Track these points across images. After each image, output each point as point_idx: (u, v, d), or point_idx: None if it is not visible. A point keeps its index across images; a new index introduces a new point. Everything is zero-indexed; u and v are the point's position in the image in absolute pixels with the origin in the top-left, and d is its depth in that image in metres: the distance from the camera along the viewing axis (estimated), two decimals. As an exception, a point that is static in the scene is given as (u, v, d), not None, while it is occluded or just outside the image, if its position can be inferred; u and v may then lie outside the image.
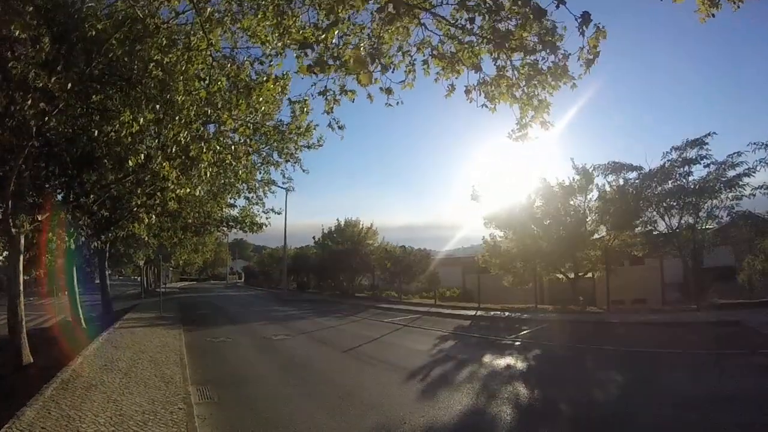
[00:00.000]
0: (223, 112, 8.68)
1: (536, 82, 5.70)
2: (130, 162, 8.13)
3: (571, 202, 23.13)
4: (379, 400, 7.84)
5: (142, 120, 8.08)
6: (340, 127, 7.52)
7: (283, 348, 13.53)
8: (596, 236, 23.08)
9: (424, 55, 6.35)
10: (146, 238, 18.40)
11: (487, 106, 6.11)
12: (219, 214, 22.58)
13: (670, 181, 20.99)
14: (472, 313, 22.04)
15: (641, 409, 7.12)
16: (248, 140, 12.02)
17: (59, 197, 13.99)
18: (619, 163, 22.42)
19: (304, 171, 18.99)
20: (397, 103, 6.43)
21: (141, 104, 8.55)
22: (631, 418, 6.78)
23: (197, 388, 8.35)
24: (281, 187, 22.66)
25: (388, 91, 6.22)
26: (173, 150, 8.81)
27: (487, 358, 11.46)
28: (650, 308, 20.98)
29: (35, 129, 8.54)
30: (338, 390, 8.51)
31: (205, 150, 8.90)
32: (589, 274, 23.86)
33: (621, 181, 22.29)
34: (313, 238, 46.02)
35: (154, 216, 11.30)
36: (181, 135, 8.53)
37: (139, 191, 11.24)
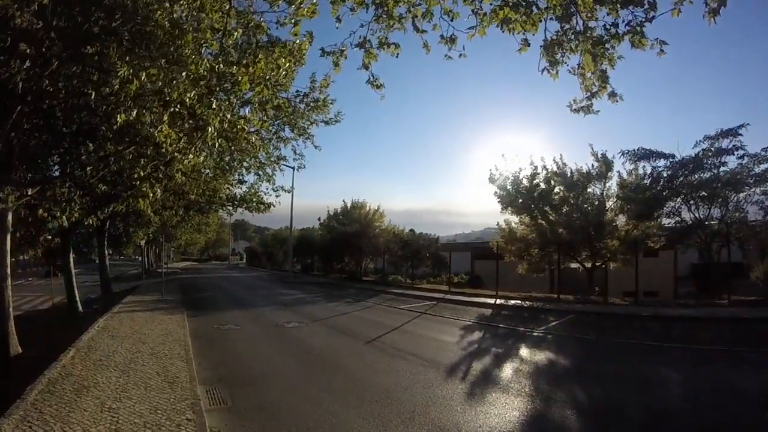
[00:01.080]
0: (239, 68, 7.38)
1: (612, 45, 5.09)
2: (119, 118, 6.80)
3: (590, 190, 22.56)
4: (423, 403, 6.77)
5: (144, 76, 6.80)
6: (378, 86, 6.34)
7: (298, 337, 12.34)
8: (615, 225, 22.35)
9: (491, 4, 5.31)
10: (150, 214, 17.11)
11: (548, 71, 5.37)
12: (225, 192, 21.37)
13: (699, 172, 20.24)
14: (491, 301, 21.05)
15: (741, 418, 6.03)
16: (266, 105, 10.78)
17: (54, 171, 12.84)
18: (649, 150, 21.48)
19: (316, 148, 17.70)
20: (460, 55, 5.68)
21: (143, 58, 7.28)
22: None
23: (207, 390, 7.22)
24: (288, 166, 21.24)
25: (451, 40, 5.51)
26: (176, 109, 7.51)
27: (524, 353, 10.63)
28: (677, 302, 19.87)
29: (25, 89, 7.32)
30: (373, 392, 7.36)
31: (215, 110, 7.63)
32: (603, 264, 23.12)
33: (649, 169, 21.52)
34: (319, 219, 44.81)
35: (159, 190, 10.01)
36: (187, 95, 7.26)
37: (142, 162, 10.02)
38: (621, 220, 22.27)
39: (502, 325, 14.83)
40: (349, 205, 41.15)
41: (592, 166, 22.22)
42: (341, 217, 41.24)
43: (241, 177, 18.52)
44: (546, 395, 7.14)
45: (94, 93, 7.66)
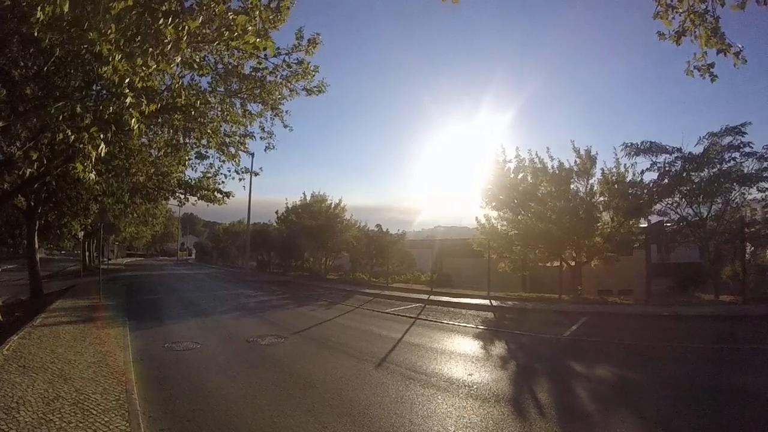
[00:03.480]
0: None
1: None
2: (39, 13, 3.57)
3: (573, 186, 21.40)
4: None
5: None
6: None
7: (283, 360, 8.88)
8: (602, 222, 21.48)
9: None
10: (92, 186, 13.35)
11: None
12: (178, 176, 17.78)
13: (708, 167, 19.08)
14: (484, 302, 18.54)
15: None
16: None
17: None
18: (655, 143, 19.97)
19: (286, 127, 14.53)
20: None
21: None
22: None
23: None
24: (244, 156, 17.70)
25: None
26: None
27: (579, 368, 8.79)
28: (685, 300, 18.19)
29: None
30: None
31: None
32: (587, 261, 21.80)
33: (647, 164, 20.35)
34: (276, 212, 41.03)
35: (102, 145, 6.65)
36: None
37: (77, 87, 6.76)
38: (605, 217, 21.22)
39: (516, 331, 12.60)
40: (308, 198, 37.85)
41: (575, 162, 21.16)
42: (300, 210, 37.77)
43: (200, 152, 14.94)
44: None
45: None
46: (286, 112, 14.25)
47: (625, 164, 20.59)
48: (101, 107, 7.27)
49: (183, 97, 11.36)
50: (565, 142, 58.20)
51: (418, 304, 18.16)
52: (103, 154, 6.91)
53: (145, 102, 6.91)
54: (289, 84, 12.80)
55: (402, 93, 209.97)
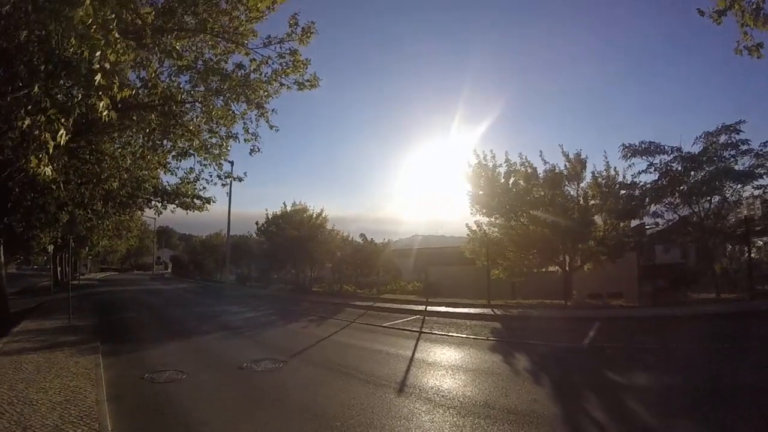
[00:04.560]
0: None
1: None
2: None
3: (566, 189, 20.90)
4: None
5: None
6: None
7: (286, 392, 7.44)
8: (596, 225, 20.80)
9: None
10: (53, 185, 11.69)
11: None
12: (153, 182, 16.24)
13: (708, 165, 18.54)
14: (487, 311, 17.41)
15: None
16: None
17: None
18: (655, 143, 19.36)
19: (272, 128, 13.20)
20: None
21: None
22: None
23: None
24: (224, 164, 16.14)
25: None
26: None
27: (620, 378, 8.15)
28: (695, 299, 17.67)
29: None
30: None
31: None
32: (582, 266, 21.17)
33: (644, 165, 19.73)
34: (257, 223, 39.06)
35: (63, 132, 5.28)
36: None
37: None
38: (598, 220, 20.56)
39: (533, 341, 11.65)
40: (288, 208, 36.22)
41: (565, 166, 20.52)
42: (281, 221, 36.09)
43: (183, 148, 13.44)
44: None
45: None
46: (273, 110, 12.92)
47: (615, 167, 20.34)
48: (65, 89, 5.93)
49: (160, 90, 9.98)
50: (548, 147, 57.78)
51: (416, 317, 16.85)
52: (63, 143, 5.48)
53: (117, 85, 5.59)
54: (280, 77, 11.51)
55: (375, 101, 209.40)
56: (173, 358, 9.94)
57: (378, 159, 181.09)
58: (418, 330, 13.86)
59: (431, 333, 13.29)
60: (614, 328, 13.54)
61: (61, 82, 7.22)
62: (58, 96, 5.95)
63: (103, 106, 5.51)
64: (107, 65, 5.16)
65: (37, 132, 5.51)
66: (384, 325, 15.13)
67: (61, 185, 12.50)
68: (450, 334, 13.05)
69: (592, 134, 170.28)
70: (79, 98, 5.81)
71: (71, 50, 5.26)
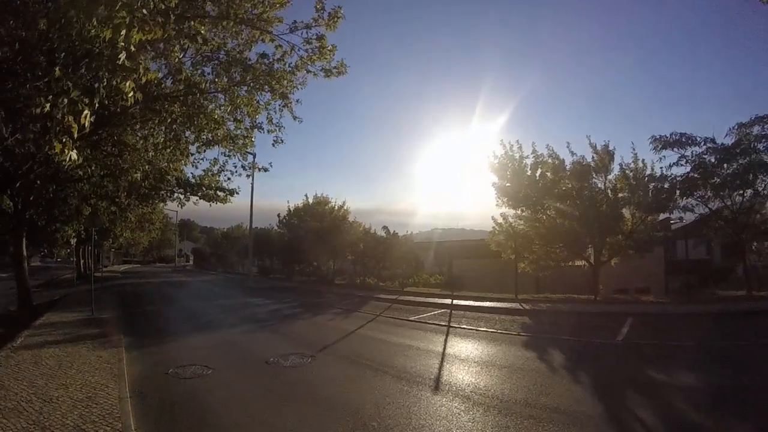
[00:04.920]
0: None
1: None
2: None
3: (593, 181, 20.33)
4: None
5: None
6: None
7: (317, 388, 7.06)
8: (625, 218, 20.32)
9: None
10: (80, 171, 11.39)
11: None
12: (176, 173, 15.99)
13: (742, 157, 17.92)
14: (515, 306, 17.00)
15: None
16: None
17: None
18: (687, 135, 18.87)
19: (296, 119, 12.80)
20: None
21: None
22: None
23: None
24: (245, 155, 15.66)
25: None
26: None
27: (663, 377, 7.72)
28: (725, 296, 17.46)
29: None
30: None
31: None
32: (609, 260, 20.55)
33: (675, 157, 19.30)
34: (278, 216, 38.98)
35: (88, 114, 4.96)
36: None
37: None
38: (626, 213, 20.01)
39: (566, 337, 11.38)
40: (311, 200, 35.98)
41: (592, 158, 20.01)
42: (303, 213, 35.87)
43: (208, 138, 13.13)
44: None
45: None
46: (297, 101, 12.53)
47: (642, 159, 19.68)
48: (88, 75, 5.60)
49: (184, 75, 9.62)
50: (571, 139, 56.46)
51: (442, 310, 16.40)
52: (88, 126, 5.15)
53: (143, 66, 5.27)
54: (306, 64, 11.08)
55: (393, 93, 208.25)
56: (198, 353, 9.62)
57: (397, 151, 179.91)
58: (446, 324, 13.42)
59: (460, 327, 12.87)
60: (647, 324, 13.07)
61: (83, 71, 6.93)
62: (81, 81, 5.57)
63: (129, 86, 5.17)
64: (132, 47, 4.84)
65: (59, 116, 5.18)
66: (411, 318, 14.73)
67: (89, 170, 12.25)
68: (480, 329, 12.61)
69: (617, 126, 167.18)
70: (105, 82, 5.46)
71: (93, 32, 4.89)
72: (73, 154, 5.24)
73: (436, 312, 16.06)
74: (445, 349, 10.02)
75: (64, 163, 5.27)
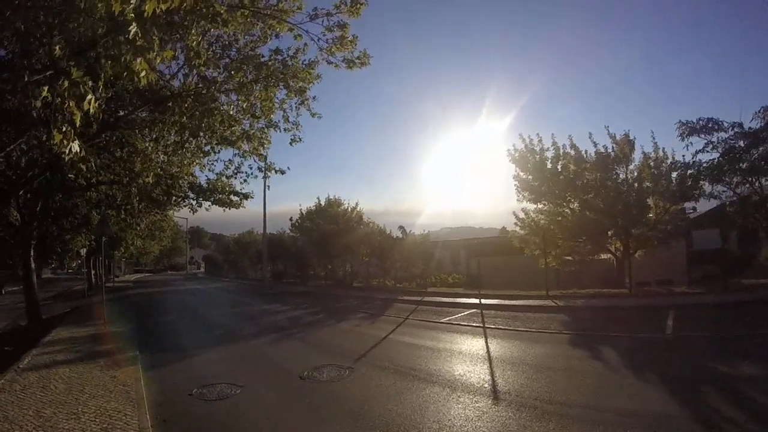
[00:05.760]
0: None
1: None
2: None
3: (615, 172, 19.97)
4: None
5: None
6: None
7: (364, 406, 6.09)
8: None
9: None
10: (82, 165, 10.47)
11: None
12: (188, 178, 15.21)
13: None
14: (548, 303, 16.20)
15: None
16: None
17: None
18: (714, 119, 18.04)
19: (314, 116, 11.97)
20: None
21: None
22: None
23: None
24: (261, 156, 14.74)
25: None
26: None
27: (731, 370, 7.16)
28: (752, 285, 16.61)
29: None
30: None
31: None
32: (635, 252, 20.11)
33: (701, 144, 18.46)
34: (290, 219, 38.30)
35: (91, 97, 4.12)
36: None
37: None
38: (650, 203, 19.48)
39: (612, 333, 10.63)
40: (323, 203, 35.33)
41: (612, 148, 19.67)
42: (315, 216, 35.11)
43: (225, 136, 12.33)
44: None
45: None
46: (314, 98, 11.73)
47: (663, 148, 19.35)
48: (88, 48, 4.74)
49: (204, 57, 8.74)
50: (584, 133, 55.53)
51: (472, 310, 15.48)
52: (92, 111, 4.29)
53: (158, 42, 4.44)
54: (327, 56, 10.22)
55: (398, 92, 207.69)
56: (222, 367, 8.74)
57: (404, 152, 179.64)
58: (481, 325, 12.52)
59: (497, 328, 11.99)
60: (690, 315, 12.48)
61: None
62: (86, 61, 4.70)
63: (140, 63, 4.31)
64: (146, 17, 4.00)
65: (59, 100, 4.33)
66: (442, 321, 13.81)
67: (93, 166, 11.39)
68: (518, 329, 11.77)
69: (630, 120, 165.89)
70: (110, 62, 4.59)
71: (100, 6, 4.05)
72: (75, 146, 4.41)
73: (466, 312, 15.15)
74: (489, 352, 9.16)
75: (64, 155, 4.40)
